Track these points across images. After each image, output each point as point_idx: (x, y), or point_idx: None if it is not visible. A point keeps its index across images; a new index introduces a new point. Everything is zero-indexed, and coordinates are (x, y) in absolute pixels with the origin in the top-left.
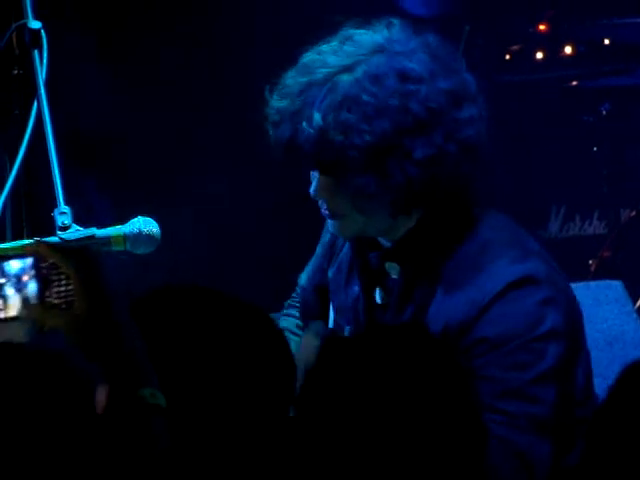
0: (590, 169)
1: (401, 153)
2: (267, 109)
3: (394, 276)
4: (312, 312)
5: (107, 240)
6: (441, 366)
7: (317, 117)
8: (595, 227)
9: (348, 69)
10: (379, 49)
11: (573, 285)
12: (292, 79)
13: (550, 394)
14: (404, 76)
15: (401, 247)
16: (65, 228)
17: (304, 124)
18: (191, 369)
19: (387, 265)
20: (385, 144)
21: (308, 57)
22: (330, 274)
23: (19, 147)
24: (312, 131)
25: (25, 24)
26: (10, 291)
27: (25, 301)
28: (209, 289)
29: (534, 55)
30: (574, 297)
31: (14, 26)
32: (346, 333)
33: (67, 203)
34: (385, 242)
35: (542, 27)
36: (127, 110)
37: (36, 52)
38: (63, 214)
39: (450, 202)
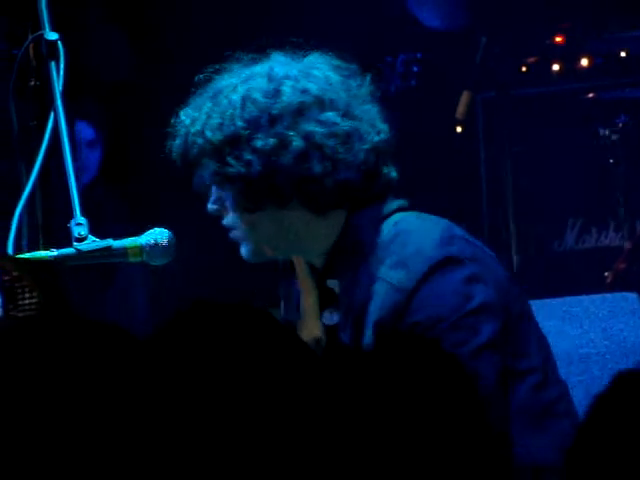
0: (606, 181)
1: (244, 144)
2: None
3: (337, 292)
4: None
5: (124, 251)
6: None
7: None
8: (611, 239)
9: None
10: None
11: (589, 297)
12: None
13: (491, 367)
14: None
15: (333, 262)
16: (81, 239)
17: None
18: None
19: (329, 283)
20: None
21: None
22: (281, 297)
23: (36, 158)
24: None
25: (42, 35)
26: None
27: None
28: (242, 304)
29: (550, 67)
30: (506, 276)
31: (31, 37)
32: None
33: (83, 214)
34: (318, 264)
35: (558, 39)
36: (142, 115)
37: (53, 63)
38: (79, 225)
39: (357, 208)
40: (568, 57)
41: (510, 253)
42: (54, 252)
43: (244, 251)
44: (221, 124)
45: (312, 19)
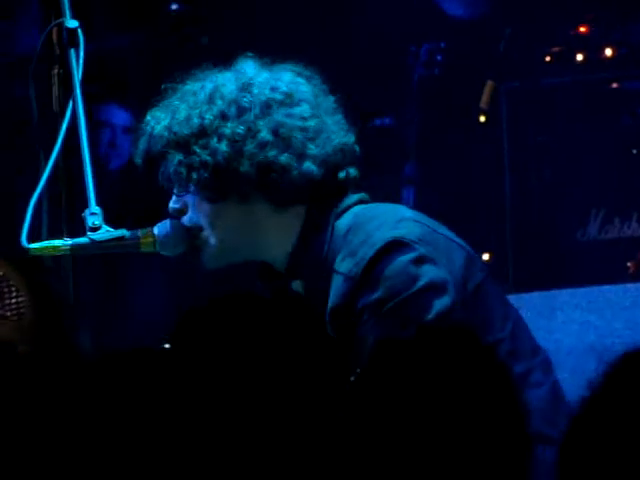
0: (630, 171)
1: (211, 134)
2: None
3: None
4: None
5: (137, 241)
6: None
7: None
8: (634, 229)
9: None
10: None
11: (611, 287)
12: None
13: None
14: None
15: (294, 263)
16: (95, 229)
17: None
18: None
19: (294, 286)
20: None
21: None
22: None
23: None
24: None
25: (62, 23)
26: None
27: None
28: (262, 298)
29: (574, 57)
30: (463, 254)
31: (51, 25)
32: None
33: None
34: (280, 267)
35: (583, 29)
36: None
37: (73, 51)
38: (94, 215)
39: (317, 204)
40: (592, 47)
41: (533, 242)
42: (68, 241)
43: (206, 254)
44: (188, 118)
45: (337, 9)
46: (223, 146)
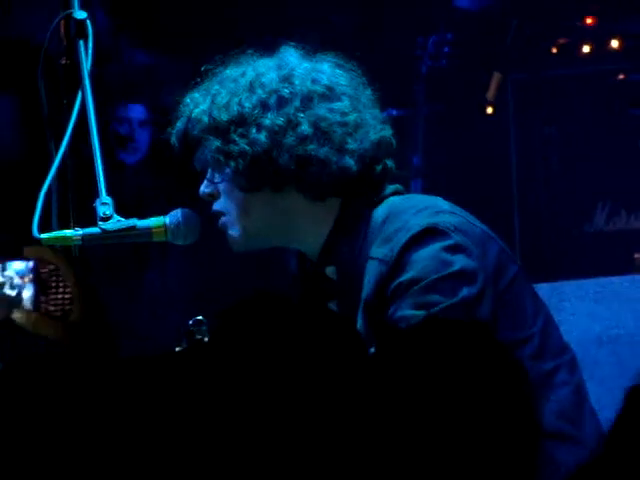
0: (636, 163)
1: (250, 123)
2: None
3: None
4: None
5: (148, 231)
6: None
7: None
8: None
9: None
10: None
11: (618, 279)
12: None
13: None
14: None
15: (327, 249)
16: (106, 219)
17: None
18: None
19: (327, 272)
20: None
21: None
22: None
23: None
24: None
25: (70, 14)
26: (9, 292)
27: (20, 305)
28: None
29: (581, 49)
30: (499, 250)
31: (60, 16)
32: None
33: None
34: (313, 256)
35: (589, 21)
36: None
37: (81, 42)
38: (105, 204)
39: (353, 196)
40: (598, 39)
41: (540, 234)
42: (79, 231)
43: (231, 236)
44: (228, 104)
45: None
46: (262, 137)
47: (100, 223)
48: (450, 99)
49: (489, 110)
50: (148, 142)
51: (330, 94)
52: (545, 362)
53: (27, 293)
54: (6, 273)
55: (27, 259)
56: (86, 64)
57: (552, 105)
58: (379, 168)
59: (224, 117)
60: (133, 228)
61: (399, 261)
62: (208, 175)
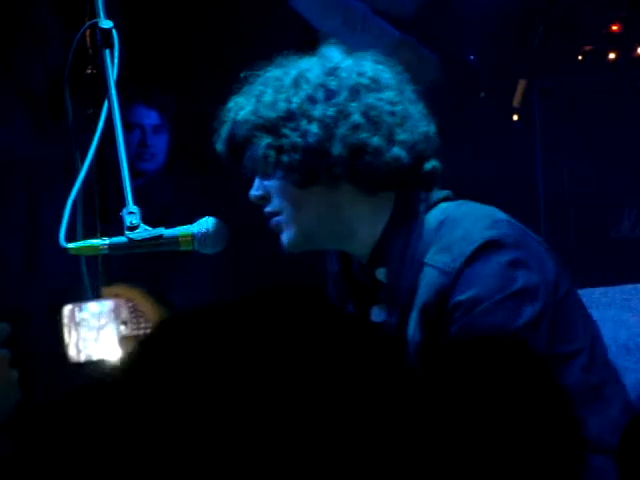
0: None
1: (300, 116)
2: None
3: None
4: None
5: (175, 240)
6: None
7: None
8: None
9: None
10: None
11: None
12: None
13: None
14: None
15: (380, 252)
16: (133, 228)
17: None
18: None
19: (377, 274)
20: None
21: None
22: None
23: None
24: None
25: (96, 24)
26: (87, 334)
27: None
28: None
29: (607, 56)
30: (554, 261)
31: (86, 26)
32: None
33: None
34: (362, 258)
35: (615, 28)
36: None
37: (107, 52)
38: (131, 214)
39: (405, 194)
40: (625, 46)
41: (566, 240)
42: (106, 240)
43: (286, 238)
44: (274, 102)
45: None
46: (314, 128)
47: (127, 232)
48: (476, 106)
49: (515, 117)
50: (166, 148)
51: (376, 85)
52: (594, 375)
53: (106, 334)
54: (82, 315)
55: (104, 299)
56: (112, 73)
57: (578, 112)
58: (428, 165)
59: (272, 114)
60: (160, 237)
61: (461, 275)
62: (258, 177)
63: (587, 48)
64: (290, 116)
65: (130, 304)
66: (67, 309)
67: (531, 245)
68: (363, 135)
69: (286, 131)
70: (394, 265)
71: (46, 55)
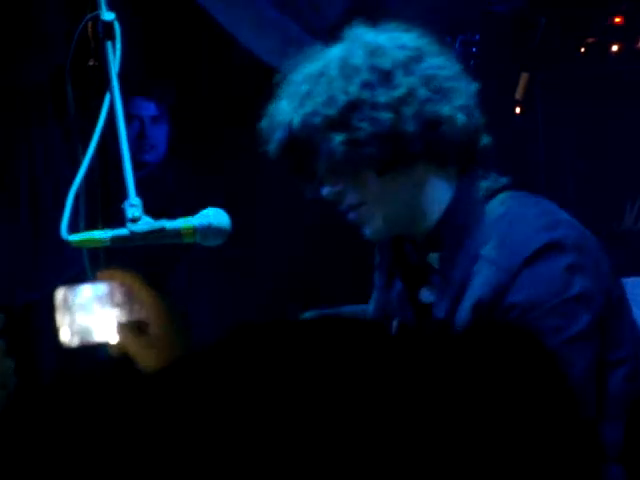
0: None
1: (365, 105)
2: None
3: (437, 267)
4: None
5: (177, 232)
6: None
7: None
8: None
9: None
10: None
11: None
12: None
13: (583, 357)
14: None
15: (437, 235)
16: (135, 220)
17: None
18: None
19: (429, 258)
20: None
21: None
22: (376, 267)
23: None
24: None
25: (98, 16)
26: (80, 317)
27: (112, 327)
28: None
29: (609, 48)
30: (608, 264)
31: (87, 18)
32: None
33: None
34: (419, 237)
35: (617, 20)
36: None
37: (109, 44)
38: (133, 206)
39: (469, 175)
40: (627, 38)
41: None
42: (108, 233)
43: (371, 229)
44: (331, 98)
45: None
46: (383, 113)
47: (129, 225)
48: (478, 99)
49: (517, 110)
50: (165, 139)
51: (421, 55)
52: (636, 384)
53: (100, 317)
54: (76, 298)
55: (98, 282)
56: (114, 66)
57: (581, 104)
58: (485, 140)
59: (334, 110)
60: (162, 230)
61: (519, 275)
62: (330, 173)
63: (589, 40)
64: (353, 107)
65: (124, 288)
66: (60, 292)
67: (590, 248)
68: (434, 108)
69: (356, 123)
70: (449, 253)
71: (49, 49)
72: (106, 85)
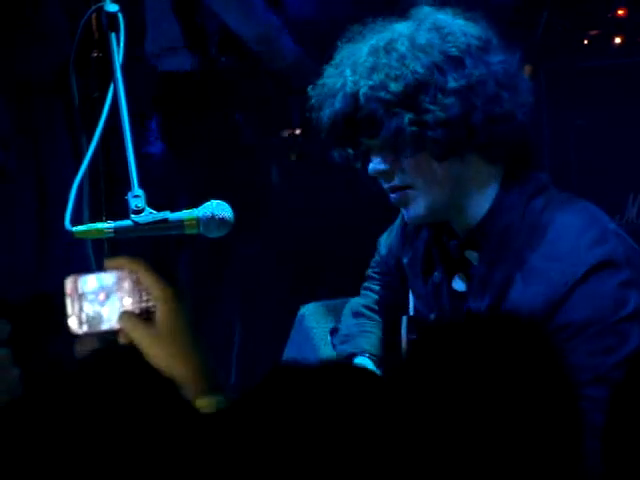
0: None
1: (434, 89)
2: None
3: (475, 263)
4: (393, 283)
5: (180, 224)
6: (535, 353)
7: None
8: None
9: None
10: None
11: None
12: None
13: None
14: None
15: (479, 234)
16: (139, 211)
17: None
18: None
19: (467, 253)
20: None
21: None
22: (405, 261)
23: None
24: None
25: (102, 7)
26: (88, 306)
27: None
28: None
29: (612, 40)
30: None
31: (91, 9)
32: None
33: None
34: (460, 232)
35: (621, 12)
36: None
37: (113, 35)
38: (137, 197)
39: (520, 175)
40: (630, 30)
41: None
42: (111, 224)
43: (413, 211)
44: (399, 74)
45: None
46: (453, 100)
47: (132, 216)
48: None
49: None
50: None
51: (488, 46)
52: None
53: (108, 306)
54: (84, 286)
55: (106, 271)
56: (118, 57)
57: (584, 97)
58: (532, 138)
59: (401, 88)
60: (165, 221)
61: (573, 293)
62: (389, 151)
63: (592, 33)
64: (422, 87)
65: (132, 276)
66: (69, 281)
67: (637, 260)
68: (500, 102)
69: (426, 105)
70: (490, 254)
71: (51, 41)
72: (110, 76)
